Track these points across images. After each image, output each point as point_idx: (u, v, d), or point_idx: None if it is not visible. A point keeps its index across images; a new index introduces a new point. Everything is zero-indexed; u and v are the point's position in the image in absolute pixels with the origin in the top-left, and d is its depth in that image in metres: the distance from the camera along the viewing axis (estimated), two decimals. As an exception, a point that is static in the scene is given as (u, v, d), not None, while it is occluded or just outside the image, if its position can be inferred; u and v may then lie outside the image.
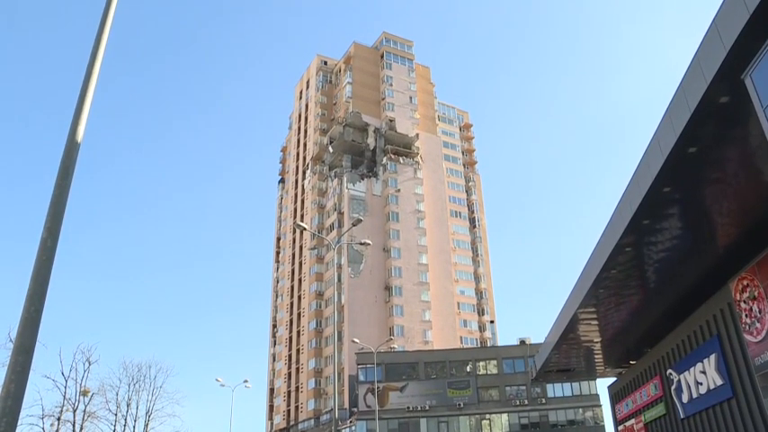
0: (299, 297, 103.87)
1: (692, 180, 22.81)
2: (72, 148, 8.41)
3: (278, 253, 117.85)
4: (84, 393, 66.70)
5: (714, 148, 20.72)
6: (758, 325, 28.00)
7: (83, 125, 8.51)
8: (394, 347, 69.10)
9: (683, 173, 21.99)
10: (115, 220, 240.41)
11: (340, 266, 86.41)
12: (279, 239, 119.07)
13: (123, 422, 69.67)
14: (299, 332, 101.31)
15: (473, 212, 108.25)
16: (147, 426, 70.53)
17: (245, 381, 58.39)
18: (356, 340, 52.79)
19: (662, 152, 21.50)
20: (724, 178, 22.78)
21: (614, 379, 54.61)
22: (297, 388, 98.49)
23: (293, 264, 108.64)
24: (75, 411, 65.18)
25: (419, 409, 71.09)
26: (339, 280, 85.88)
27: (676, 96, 20.12)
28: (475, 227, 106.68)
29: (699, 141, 20.09)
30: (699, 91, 18.19)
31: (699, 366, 35.49)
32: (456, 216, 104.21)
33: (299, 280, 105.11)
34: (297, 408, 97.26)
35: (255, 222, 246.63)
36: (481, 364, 75.70)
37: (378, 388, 61.09)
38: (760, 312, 27.66)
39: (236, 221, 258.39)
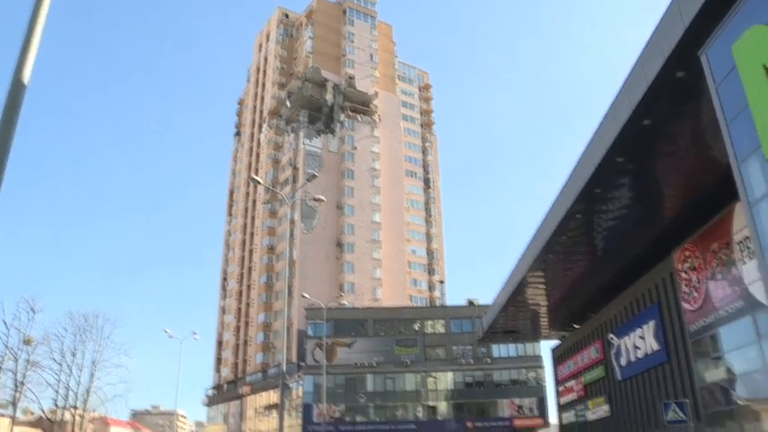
0: (251, 251, 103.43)
1: (644, 152, 23.42)
2: (17, 93, 7.98)
3: (231, 206, 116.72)
4: (28, 342, 65.74)
5: (668, 121, 21.29)
6: (696, 294, 29.16)
7: (29, 69, 8.12)
8: (344, 304, 69.64)
9: (637, 144, 22.55)
10: (63, 170, 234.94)
11: (293, 222, 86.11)
12: (232, 193, 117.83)
13: (69, 372, 69.00)
14: (249, 286, 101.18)
15: (428, 173, 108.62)
16: (93, 376, 70.07)
17: (194, 333, 58.30)
18: (306, 295, 52.96)
19: (617, 123, 22.00)
20: (675, 152, 23.47)
21: (558, 342, 56.27)
22: (245, 341, 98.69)
23: (246, 218, 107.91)
24: (17, 360, 64.36)
25: (366, 365, 72.04)
26: (291, 235, 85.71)
27: (635, 68, 20.55)
28: (429, 188, 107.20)
29: (654, 114, 20.62)
30: (656, 64, 18.64)
31: (638, 332, 36.87)
32: (411, 176, 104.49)
33: (252, 234, 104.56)
34: (245, 361, 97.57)
35: (209, 174, 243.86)
36: (429, 323, 76.89)
37: (326, 343, 61.72)
38: (698, 282, 28.78)
39: (190, 173, 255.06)
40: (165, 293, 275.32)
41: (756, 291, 22.89)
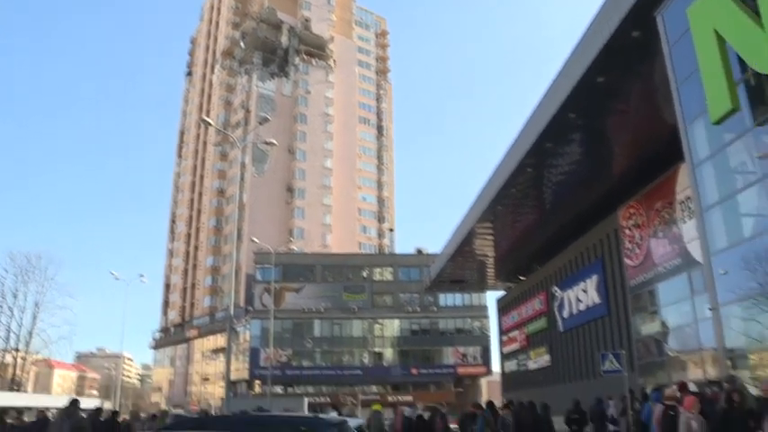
0: (200, 193, 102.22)
1: (596, 109, 23.70)
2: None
3: (181, 148, 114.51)
4: (-35, 283, 64.39)
5: (621, 80, 21.53)
6: (638, 251, 30.05)
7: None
8: (293, 249, 69.57)
9: (590, 101, 22.80)
10: (10, 107, 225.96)
11: (244, 165, 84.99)
12: (182, 134, 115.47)
13: (10, 313, 67.45)
14: (198, 229, 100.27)
15: (381, 121, 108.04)
16: (35, 318, 68.68)
17: (141, 275, 57.62)
18: (256, 240, 52.75)
19: (571, 79, 22.17)
20: (627, 111, 23.79)
21: (503, 293, 57.43)
22: (193, 284, 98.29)
23: (196, 159, 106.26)
24: (-48, 299, 62.88)
25: (314, 310, 72.55)
26: (242, 179, 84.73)
27: (591, 26, 20.65)
28: (382, 135, 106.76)
29: (608, 72, 20.82)
30: (613, 22, 18.76)
31: (581, 285, 37.91)
32: (364, 123, 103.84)
33: (201, 176, 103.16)
34: (192, 304, 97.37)
35: (159, 114, 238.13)
36: (377, 270, 77.64)
37: (274, 288, 61.70)
38: (641, 239, 29.63)
39: (139, 112, 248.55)
40: (112, 235, 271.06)
41: (694, 249, 23.69)
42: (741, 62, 14.93)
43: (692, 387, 15.74)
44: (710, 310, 17.55)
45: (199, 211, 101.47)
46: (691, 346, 25.62)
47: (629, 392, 16.31)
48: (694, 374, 24.29)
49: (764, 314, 15.67)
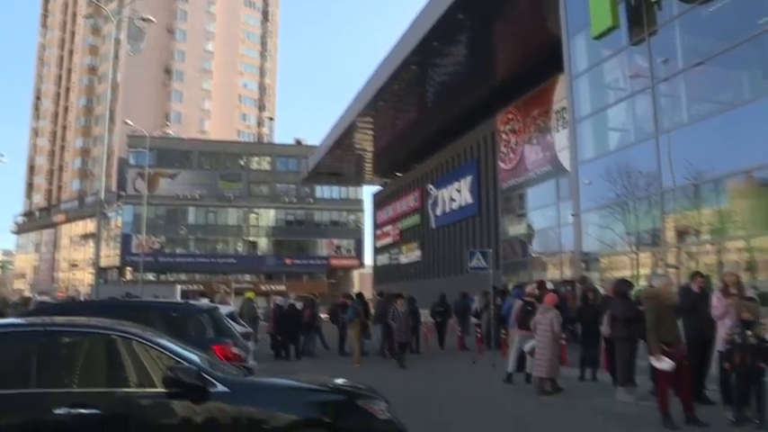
0: (69, 70, 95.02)
1: (485, 12, 23.74)
2: None
3: (45, 17, 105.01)
4: None
5: (510, -15, 21.62)
6: (512, 155, 31.18)
7: None
8: (169, 133, 66.68)
9: (480, 3, 22.84)
10: None
11: (118, 42, 79.43)
12: (47, 1, 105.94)
13: None
14: (66, 108, 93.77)
15: (267, 5, 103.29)
16: None
17: (1, 155, 53.75)
18: (129, 122, 50.14)
19: (463, -21, 22.04)
20: (515, 17, 23.97)
21: (380, 188, 58.35)
22: (61, 167, 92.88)
23: (64, 32, 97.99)
24: None
25: (189, 197, 70.90)
26: (116, 57, 79.37)
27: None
28: (267, 21, 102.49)
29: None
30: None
31: (456, 185, 39.08)
32: (249, 6, 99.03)
33: (71, 51, 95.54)
34: (60, 188, 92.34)
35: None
36: (255, 159, 76.37)
37: (148, 173, 59.37)
38: (516, 144, 30.72)
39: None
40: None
41: (563, 158, 24.86)
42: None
43: (550, 285, 16.90)
44: (573, 216, 18.69)
45: (67, 89, 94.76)
46: (552, 249, 27.37)
47: (492, 289, 17.25)
48: (552, 275, 26.05)
49: (618, 222, 16.87)
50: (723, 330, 8.39)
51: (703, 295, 9.32)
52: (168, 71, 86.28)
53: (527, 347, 11.64)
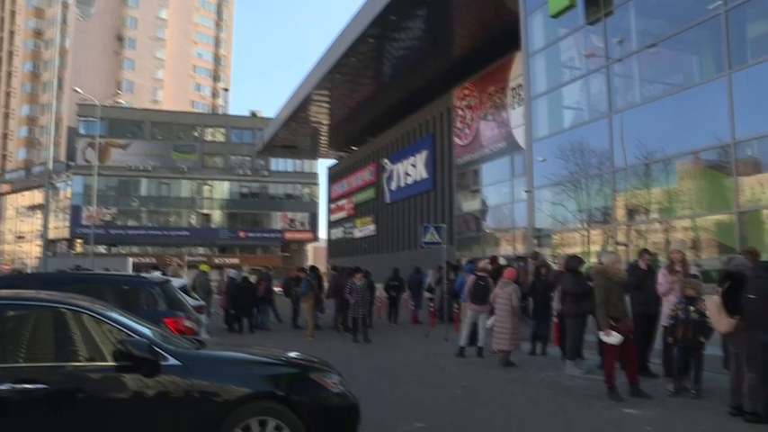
0: (12, 32, 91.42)
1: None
2: None
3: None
4: None
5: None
6: (467, 131, 31.35)
7: None
8: (121, 103, 64.83)
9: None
10: None
11: (66, 5, 77.17)
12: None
13: None
14: (10, 73, 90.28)
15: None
16: None
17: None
18: (79, 90, 48.62)
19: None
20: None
21: (335, 161, 58.17)
22: (5, 135, 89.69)
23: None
24: None
25: (141, 168, 69.44)
26: (64, 21, 77.07)
27: None
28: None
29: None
30: None
31: (411, 160, 39.18)
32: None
33: (13, 12, 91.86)
34: (4, 157, 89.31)
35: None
36: (209, 130, 75.07)
37: (99, 143, 57.96)
38: (471, 120, 30.88)
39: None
40: None
41: (518, 135, 25.12)
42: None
43: (502, 261, 17.12)
44: (526, 192, 18.93)
45: (10, 53, 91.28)
46: (505, 225, 27.71)
47: (445, 264, 17.41)
48: (505, 250, 26.42)
49: (570, 200, 17.17)
50: (667, 306, 8.66)
51: (650, 272, 9.58)
52: (120, 38, 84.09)
53: (488, 323, 11.80)
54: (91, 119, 58.87)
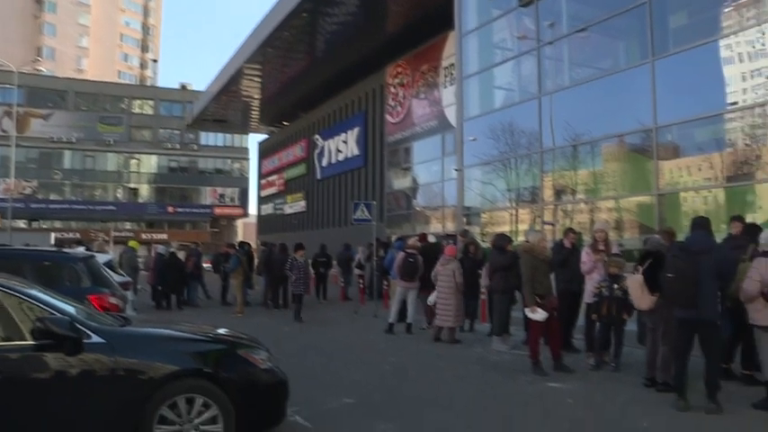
0: None
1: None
2: None
3: None
4: None
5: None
6: (399, 109, 31.45)
7: None
8: (41, 70, 62.14)
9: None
10: None
11: (-19, -37, 73.36)
12: None
13: None
14: None
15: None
16: None
17: None
18: (-6, 54, 46.60)
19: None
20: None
21: (266, 136, 57.51)
22: None
23: None
24: None
25: (65, 140, 66.69)
26: (-22, -20, 73.33)
27: None
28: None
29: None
30: None
31: (343, 136, 39.08)
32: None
33: None
34: None
35: None
36: (137, 102, 72.72)
37: (17, 112, 55.41)
38: (404, 98, 30.97)
39: None
40: None
41: (450, 114, 25.34)
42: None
43: (432, 238, 17.32)
44: (456, 171, 19.15)
45: None
46: (435, 203, 28.02)
47: (375, 241, 17.50)
48: (435, 228, 26.71)
49: (499, 179, 17.46)
50: (591, 284, 8.94)
51: (574, 251, 9.86)
52: (39, 1, 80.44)
53: (430, 300, 11.92)
54: (8, 86, 55.82)
